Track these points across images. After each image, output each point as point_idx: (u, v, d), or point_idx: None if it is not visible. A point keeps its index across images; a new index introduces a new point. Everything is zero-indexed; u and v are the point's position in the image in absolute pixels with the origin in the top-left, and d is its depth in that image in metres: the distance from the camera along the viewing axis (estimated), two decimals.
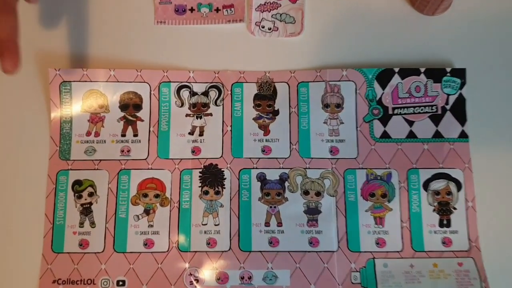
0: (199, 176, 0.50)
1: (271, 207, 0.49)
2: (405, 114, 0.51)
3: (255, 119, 0.51)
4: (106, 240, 0.48)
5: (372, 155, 0.50)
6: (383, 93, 0.51)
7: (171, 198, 0.49)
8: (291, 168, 0.50)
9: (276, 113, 0.52)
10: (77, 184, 0.49)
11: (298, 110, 0.51)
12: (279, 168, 0.50)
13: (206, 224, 0.49)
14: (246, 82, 0.52)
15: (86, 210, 0.49)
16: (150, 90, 0.51)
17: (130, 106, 0.51)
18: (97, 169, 0.50)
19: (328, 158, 0.50)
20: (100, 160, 0.50)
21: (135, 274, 0.47)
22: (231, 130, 0.51)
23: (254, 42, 0.53)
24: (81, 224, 0.48)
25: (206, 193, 0.49)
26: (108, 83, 0.51)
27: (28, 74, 0.51)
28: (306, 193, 0.50)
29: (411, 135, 0.50)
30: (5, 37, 0.34)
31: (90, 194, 0.49)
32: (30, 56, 0.52)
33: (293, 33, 0.54)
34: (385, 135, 0.50)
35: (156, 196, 0.49)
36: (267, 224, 0.49)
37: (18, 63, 0.35)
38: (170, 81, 0.52)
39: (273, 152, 0.51)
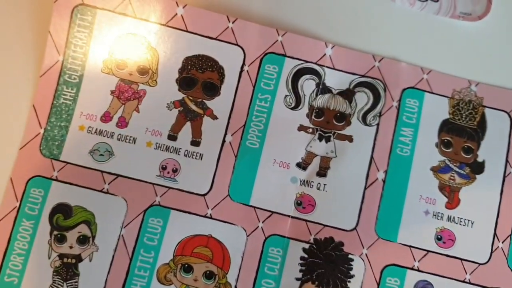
0: (302, 259, 0.25)
1: None
2: None
3: (435, 170, 0.26)
4: None
5: None
6: None
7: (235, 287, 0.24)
8: None
9: (479, 167, 0.26)
10: (62, 213, 0.24)
11: None
12: (463, 282, 0.25)
13: None
14: (432, 92, 0.26)
15: (67, 270, 0.24)
16: (243, 62, 0.26)
17: (199, 85, 0.26)
18: (108, 193, 0.25)
19: None
20: (118, 175, 0.25)
21: None
22: (384, 181, 0.25)
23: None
24: None
25: None
26: (166, 29, 0.26)
27: None
28: None
29: None
30: None
31: (82, 240, 0.24)
32: None
33: (468, 14, 0.27)
34: None
35: (209, 275, 0.24)
36: None
37: None
38: (284, 54, 0.26)
39: (457, 246, 0.25)
